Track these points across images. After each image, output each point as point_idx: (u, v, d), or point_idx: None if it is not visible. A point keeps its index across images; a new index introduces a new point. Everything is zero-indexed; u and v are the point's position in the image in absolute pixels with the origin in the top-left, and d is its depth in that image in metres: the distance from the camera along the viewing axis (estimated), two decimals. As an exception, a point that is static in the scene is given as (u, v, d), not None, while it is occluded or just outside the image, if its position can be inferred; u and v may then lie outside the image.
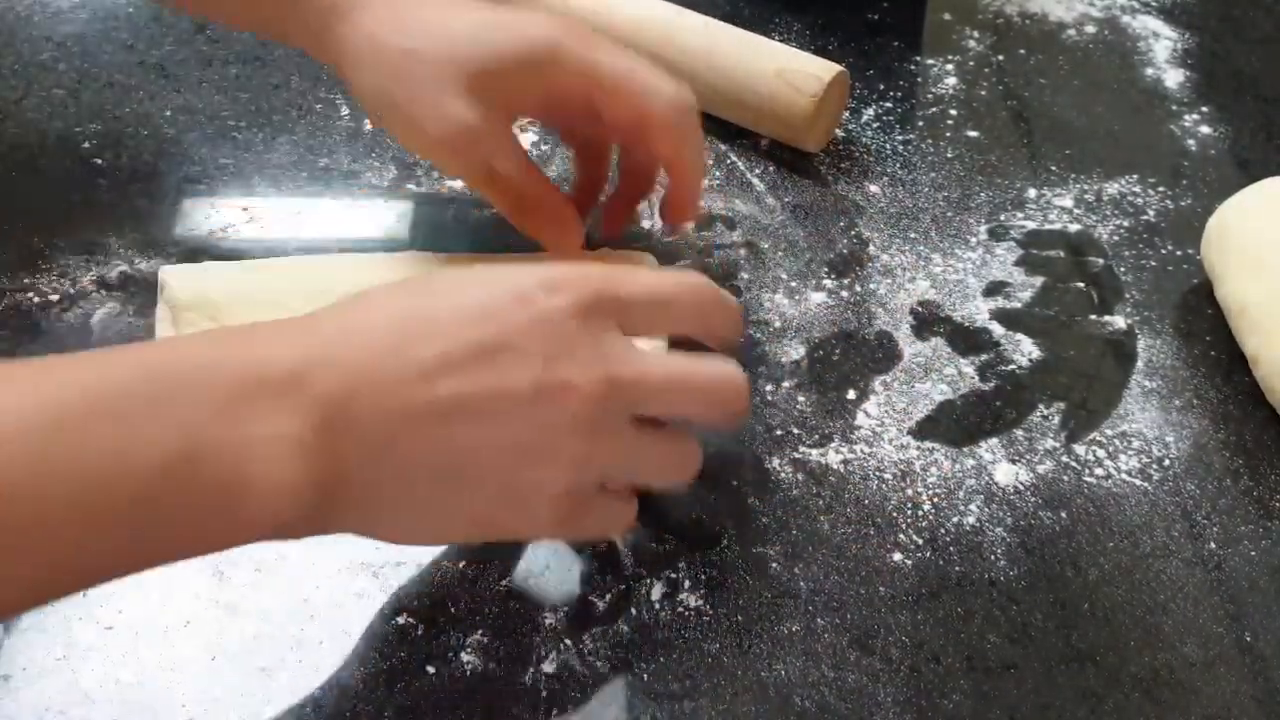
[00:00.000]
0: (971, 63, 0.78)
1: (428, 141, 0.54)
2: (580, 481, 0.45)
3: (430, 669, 0.48)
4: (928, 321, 0.62)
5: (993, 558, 0.52)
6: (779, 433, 0.57)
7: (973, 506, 0.54)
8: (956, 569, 0.52)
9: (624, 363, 0.45)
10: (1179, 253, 0.66)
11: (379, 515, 0.44)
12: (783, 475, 0.55)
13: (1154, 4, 0.83)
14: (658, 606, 0.50)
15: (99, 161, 0.68)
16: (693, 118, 0.56)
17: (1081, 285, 0.64)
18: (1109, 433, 0.57)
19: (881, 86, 0.76)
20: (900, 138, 0.72)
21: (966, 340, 0.61)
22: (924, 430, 0.57)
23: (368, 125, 0.71)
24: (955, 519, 0.54)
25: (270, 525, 0.41)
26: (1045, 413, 0.58)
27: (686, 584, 0.51)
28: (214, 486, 0.39)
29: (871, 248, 0.66)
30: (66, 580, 0.39)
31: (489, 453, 0.43)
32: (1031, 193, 0.69)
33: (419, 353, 0.43)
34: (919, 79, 0.77)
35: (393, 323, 0.44)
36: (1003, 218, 0.68)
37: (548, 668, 0.48)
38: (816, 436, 0.57)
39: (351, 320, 0.44)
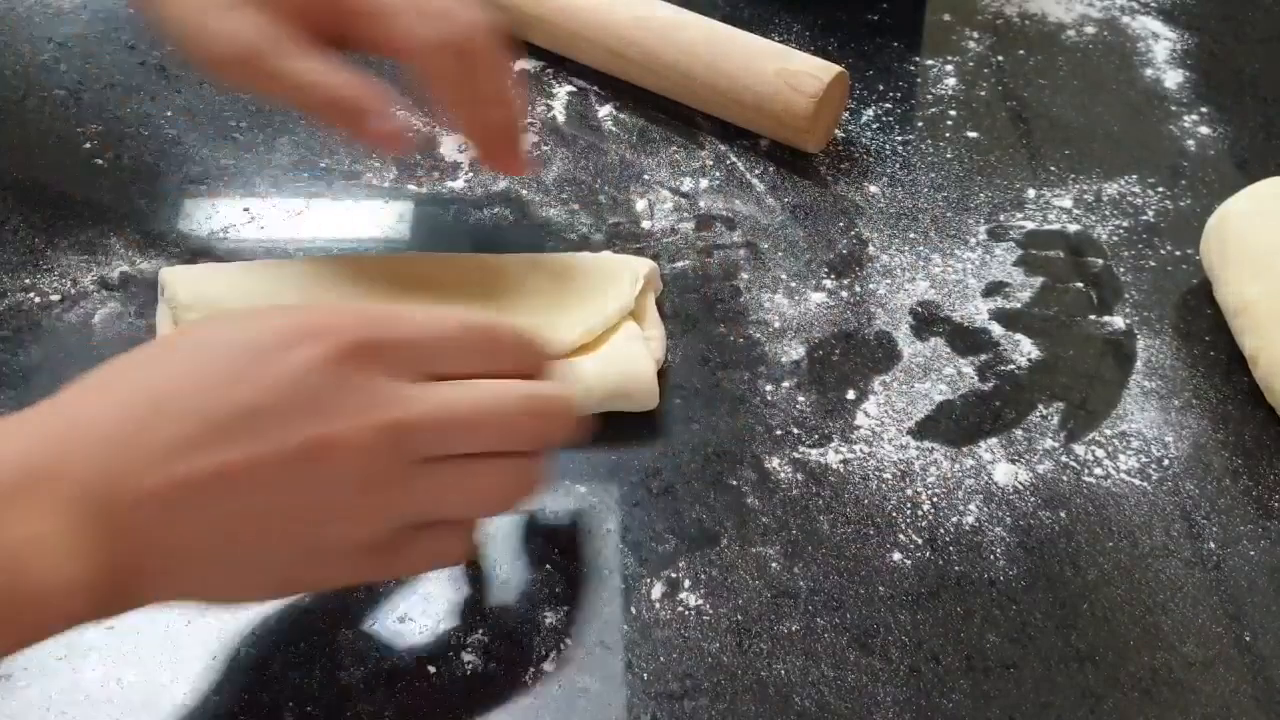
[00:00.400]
0: (971, 63, 0.78)
1: (210, 60, 0.53)
2: (381, 530, 0.43)
3: (430, 669, 0.48)
4: (927, 321, 0.62)
5: (992, 557, 0.52)
6: (779, 433, 0.57)
7: (972, 506, 0.54)
8: (956, 569, 0.52)
9: (399, 406, 0.42)
10: (1178, 253, 0.66)
11: (190, 586, 0.43)
12: (783, 475, 0.55)
13: (1154, 4, 0.83)
14: (658, 606, 0.50)
15: (100, 162, 0.68)
16: (463, 61, 0.54)
17: (1081, 285, 0.64)
18: (1108, 433, 0.57)
19: (881, 87, 0.76)
20: (900, 138, 0.72)
21: (966, 340, 0.61)
22: (923, 430, 0.57)
23: (368, 126, 0.71)
24: (955, 519, 0.54)
25: (67, 621, 0.39)
26: (1044, 413, 0.58)
27: (686, 584, 0.51)
28: None
29: (871, 248, 0.66)
30: None
31: (271, 519, 0.41)
32: (1031, 193, 0.69)
33: (163, 434, 0.40)
34: (919, 79, 0.77)
35: (129, 406, 0.41)
36: (1002, 218, 0.68)
37: (548, 667, 0.48)
38: (816, 436, 0.57)
39: (87, 409, 0.41)
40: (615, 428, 0.57)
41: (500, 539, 0.52)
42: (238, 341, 0.43)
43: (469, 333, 0.46)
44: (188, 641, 0.49)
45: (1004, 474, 0.56)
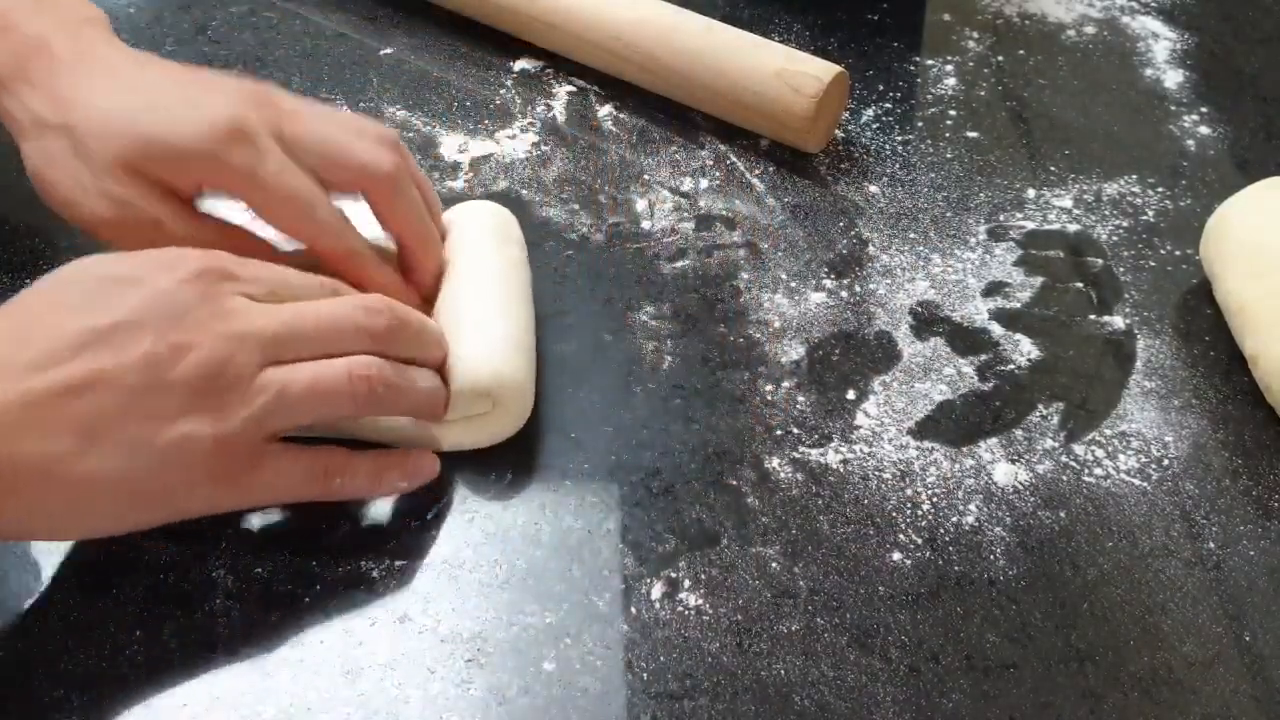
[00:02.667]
0: (971, 63, 0.78)
1: (84, 222, 0.54)
2: (229, 431, 0.46)
3: (431, 670, 0.48)
4: (927, 321, 0.62)
5: (992, 557, 0.52)
6: (779, 433, 0.57)
7: (972, 506, 0.54)
8: (956, 568, 0.52)
9: (252, 318, 0.48)
10: (1178, 253, 0.66)
11: (36, 509, 0.45)
12: (783, 475, 0.55)
13: (1153, 4, 0.83)
14: (658, 606, 0.50)
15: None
16: (328, 237, 0.55)
17: (1081, 285, 0.64)
18: (1108, 432, 0.57)
19: (881, 87, 0.76)
20: (900, 138, 0.72)
21: (966, 340, 0.61)
22: (923, 430, 0.57)
23: (368, 126, 0.71)
24: (954, 519, 0.54)
25: None
26: (1044, 413, 0.58)
27: (686, 584, 0.51)
28: None
29: (871, 248, 0.66)
30: None
31: (119, 422, 0.45)
32: (1031, 193, 0.69)
33: (22, 356, 0.45)
34: (919, 79, 0.77)
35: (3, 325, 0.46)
36: (1002, 218, 0.68)
37: (548, 667, 0.48)
38: (816, 436, 0.57)
39: None
40: (615, 427, 0.57)
41: (500, 539, 0.52)
42: (99, 273, 0.48)
43: (321, 283, 0.52)
44: (189, 642, 0.49)
45: (1004, 474, 0.56)
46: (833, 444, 0.57)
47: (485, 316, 0.56)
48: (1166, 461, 0.56)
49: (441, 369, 0.54)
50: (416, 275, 0.58)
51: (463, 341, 0.55)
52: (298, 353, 0.49)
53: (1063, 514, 0.54)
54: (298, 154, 0.54)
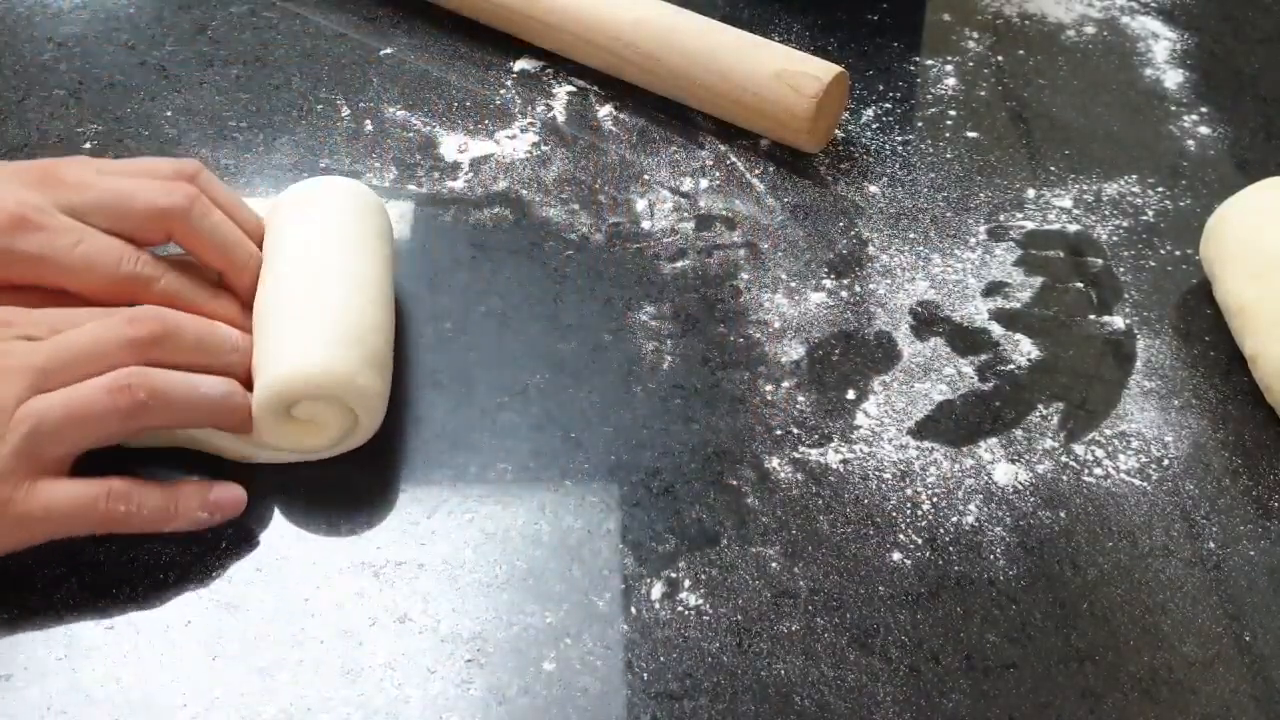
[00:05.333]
0: (971, 63, 0.78)
1: None
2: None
3: (432, 670, 0.48)
4: (927, 321, 0.62)
5: (992, 557, 0.52)
6: (779, 433, 0.57)
7: (972, 506, 0.54)
8: (956, 568, 0.52)
9: (17, 355, 0.49)
10: (1178, 253, 0.66)
11: None
12: (783, 475, 0.55)
13: (1154, 4, 0.83)
14: (658, 606, 0.50)
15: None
16: (142, 289, 0.54)
17: (1080, 285, 0.64)
18: (1108, 432, 0.57)
19: (881, 87, 0.76)
20: (900, 138, 0.72)
21: (966, 340, 0.61)
22: (923, 430, 0.57)
23: (368, 126, 0.71)
24: (954, 519, 0.54)
25: None
26: (1044, 413, 0.58)
27: (686, 584, 0.51)
28: None
29: (871, 248, 0.66)
30: None
31: None
32: (1031, 193, 0.69)
33: None
34: (919, 79, 0.77)
35: None
36: (1002, 218, 0.68)
37: (548, 667, 0.48)
38: (816, 436, 0.57)
39: None
40: (615, 427, 0.57)
41: (500, 539, 0.52)
42: None
43: (97, 311, 0.52)
44: (187, 641, 0.49)
45: (1004, 474, 0.56)
46: (833, 444, 0.57)
47: (296, 310, 0.54)
48: (1166, 461, 0.56)
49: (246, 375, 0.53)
50: (244, 297, 0.57)
51: (265, 341, 0.53)
52: (66, 378, 0.49)
53: (1063, 514, 0.54)
54: (91, 219, 0.54)
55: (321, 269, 0.56)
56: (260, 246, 0.58)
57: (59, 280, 0.53)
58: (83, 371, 0.49)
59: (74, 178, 0.55)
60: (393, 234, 0.61)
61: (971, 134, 0.73)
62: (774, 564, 0.52)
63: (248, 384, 0.53)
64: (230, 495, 0.52)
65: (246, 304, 0.56)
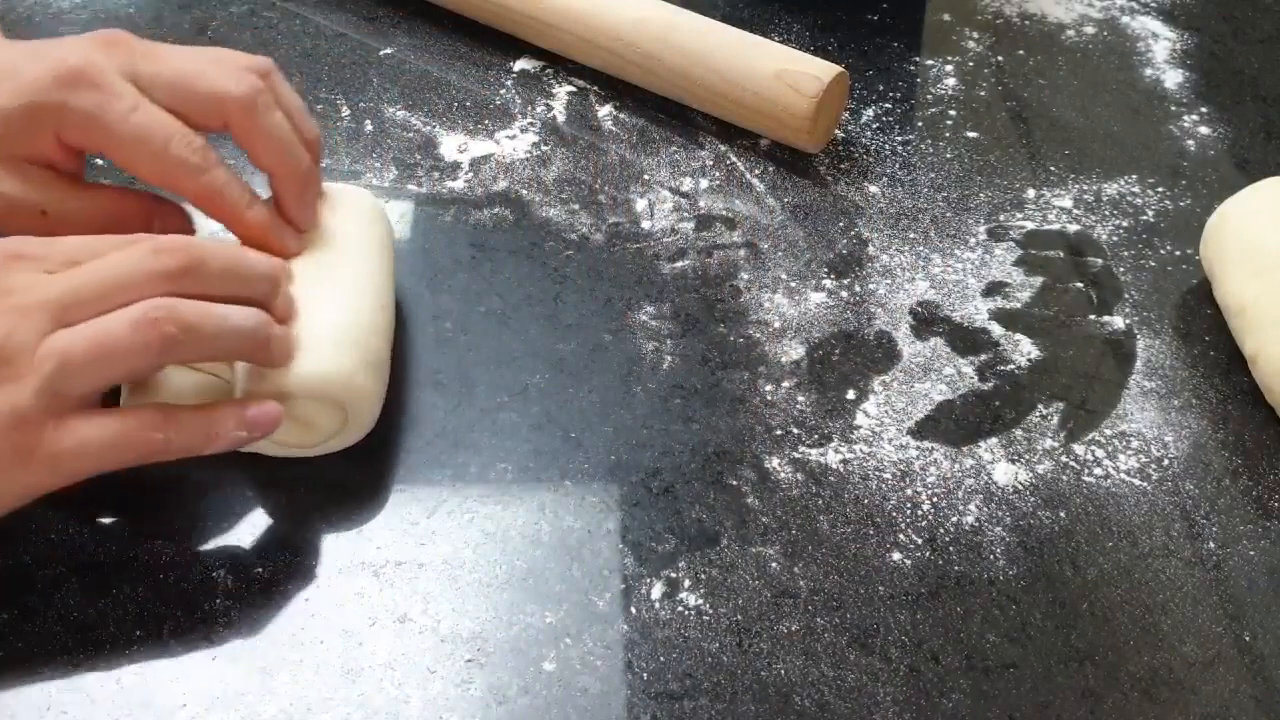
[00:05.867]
0: (971, 63, 0.78)
1: None
2: (23, 403, 0.45)
3: (431, 670, 0.48)
4: (927, 321, 0.62)
5: (992, 557, 0.53)
6: (779, 433, 0.57)
7: (972, 506, 0.54)
8: (956, 568, 0.52)
9: (36, 289, 0.46)
10: (1178, 253, 0.66)
11: None
12: (783, 475, 0.55)
13: (1154, 4, 0.83)
14: (658, 606, 0.51)
15: (100, 162, 0.68)
16: (184, 176, 0.53)
17: (1080, 285, 0.64)
18: (1108, 432, 0.57)
19: (881, 87, 0.76)
20: (900, 138, 0.72)
21: (965, 340, 0.61)
22: (923, 430, 0.57)
23: (368, 126, 0.71)
24: (954, 518, 0.54)
25: None
26: (1044, 412, 0.58)
27: (686, 584, 0.51)
28: None
29: (871, 248, 0.66)
30: None
31: None
32: (1031, 193, 0.69)
33: None
34: (919, 79, 0.77)
35: None
36: (1002, 218, 0.68)
37: (548, 667, 0.48)
38: (816, 436, 0.57)
39: None
40: (615, 427, 0.57)
41: (500, 539, 0.52)
42: None
43: (116, 238, 0.49)
44: (188, 641, 0.49)
45: (1004, 474, 0.56)
46: (833, 444, 0.57)
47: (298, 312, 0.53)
48: (1166, 461, 0.56)
49: (281, 310, 0.52)
50: (288, 210, 0.55)
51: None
52: (88, 312, 0.46)
53: (1063, 514, 0.54)
54: (154, 92, 0.52)
55: (324, 273, 0.56)
56: (317, 162, 0.57)
57: (104, 147, 0.52)
58: (106, 305, 0.47)
59: (144, 48, 0.54)
60: (393, 240, 0.61)
61: (971, 134, 0.73)
62: (774, 564, 0.52)
63: (281, 313, 0.52)
64: (267, 412, 0.50)
65: (290, 220, 0.55)
